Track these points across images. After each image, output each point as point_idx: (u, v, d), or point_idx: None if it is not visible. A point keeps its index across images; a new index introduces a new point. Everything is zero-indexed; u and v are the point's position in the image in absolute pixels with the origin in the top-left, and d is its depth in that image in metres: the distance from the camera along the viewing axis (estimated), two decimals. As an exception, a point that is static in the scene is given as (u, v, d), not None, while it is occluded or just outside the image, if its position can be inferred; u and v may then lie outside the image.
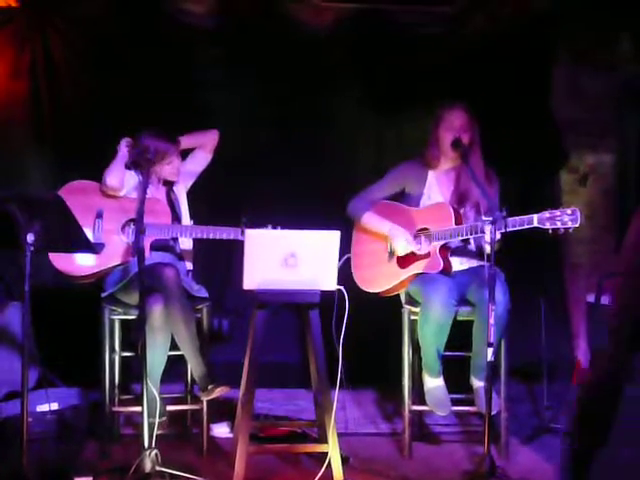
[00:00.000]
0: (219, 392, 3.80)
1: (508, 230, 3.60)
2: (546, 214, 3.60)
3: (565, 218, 3.57)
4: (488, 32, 5.11)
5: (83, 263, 3.99)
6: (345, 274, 3.87)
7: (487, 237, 3.54)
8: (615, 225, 5.41)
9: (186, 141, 4.21)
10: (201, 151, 4.27)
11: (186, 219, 4.23)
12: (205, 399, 3.88)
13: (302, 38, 5.11)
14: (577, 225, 3.58)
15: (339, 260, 3.58)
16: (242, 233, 3.88)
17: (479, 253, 3.97)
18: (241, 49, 5.10)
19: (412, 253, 4.02)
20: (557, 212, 3.59)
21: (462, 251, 4.07)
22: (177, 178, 4.20)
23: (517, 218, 3.65)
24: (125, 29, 5.01)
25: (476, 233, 3.79)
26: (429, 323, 3.81)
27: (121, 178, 4.04)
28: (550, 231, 3.60)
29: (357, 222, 4.21)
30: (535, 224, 3.61)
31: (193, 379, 3.95)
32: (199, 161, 4.27)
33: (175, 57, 5.04)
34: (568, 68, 5.27)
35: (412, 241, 4.02)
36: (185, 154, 4.27)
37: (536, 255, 4.93)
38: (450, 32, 5.18)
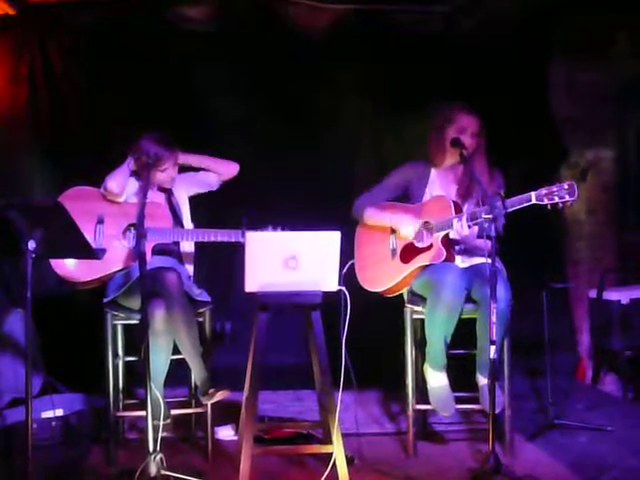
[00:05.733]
0: (220, 396, 3.79)
1: (508, 211, 3.58)
2: (543, 190, 3.59)
3: (563, 192, 3.56)
4: (486, 30, 5.12)
5: (84, 269, 4.00)
6: (350, 279, 3.86)
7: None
8: (615, 220, 5.41)
9: (206, 162, 4.26)
10: (216, 176, 4.29)
11: (187, 223, 4.22)
12: (206, 403, 3.87)
13: (301, 40, 5.12)
14: (575, 199, 3.56)
15: (344, 267, 3.55)
16: (243, 235, 3.87)
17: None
18: (240, 52, 5.11)
19: (414, 247, 4.01)
20: (554, 187, 3.58)
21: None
22: (171, 186, 4.19)
23: (515, 198, 3.63)
24: (124, 36, 5.02)
25: (476, 219, 3.77)
26: (440, 308, 3.76)
27: (122, 184, 4.03)
28: (549, 207, 3.59)
29: (361, 221, 4.20)
30: (533, 201, 3.60)
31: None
32: (209, 182, 4.30)
33: (174, 61, 5.05)
34: (566, 65, 5.29)
35: (415, 220, 3.99)
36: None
37: (538, 250, 4.94)
38: (448, 31, 5.19)
